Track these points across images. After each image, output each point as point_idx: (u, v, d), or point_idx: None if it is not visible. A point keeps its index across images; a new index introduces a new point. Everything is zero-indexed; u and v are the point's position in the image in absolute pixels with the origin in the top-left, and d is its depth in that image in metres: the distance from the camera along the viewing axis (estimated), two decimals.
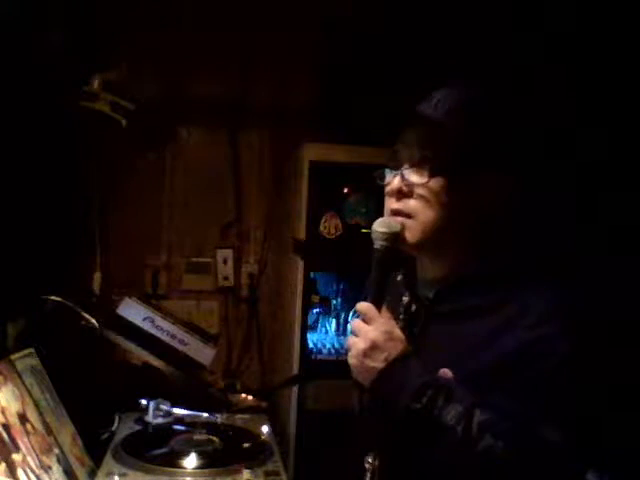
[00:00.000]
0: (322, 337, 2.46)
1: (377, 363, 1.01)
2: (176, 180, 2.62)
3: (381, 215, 1.14)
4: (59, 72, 2.07)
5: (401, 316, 1.13)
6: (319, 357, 2.35)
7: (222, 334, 2.64)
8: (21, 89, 1.89)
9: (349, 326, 1.09)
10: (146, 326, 2.10)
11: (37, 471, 1.46)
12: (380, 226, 1.09)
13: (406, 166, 1.09)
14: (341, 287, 2.48)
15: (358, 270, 1.18)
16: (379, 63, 2.29)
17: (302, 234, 2.28)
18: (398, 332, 1.04)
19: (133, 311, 2.11)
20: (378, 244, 1.09)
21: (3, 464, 1.36)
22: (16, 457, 1.41)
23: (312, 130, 2.39)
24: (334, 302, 2.48)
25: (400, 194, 1.09)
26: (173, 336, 2.11)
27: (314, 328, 2.47)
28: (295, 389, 2.26)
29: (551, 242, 1.10)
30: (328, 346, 2.40)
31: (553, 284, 1.05)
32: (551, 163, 1.89)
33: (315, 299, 2.39)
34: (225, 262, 2.64)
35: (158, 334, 2.10)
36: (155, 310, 2.16)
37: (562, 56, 2.13)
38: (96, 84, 2.17)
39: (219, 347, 2.31)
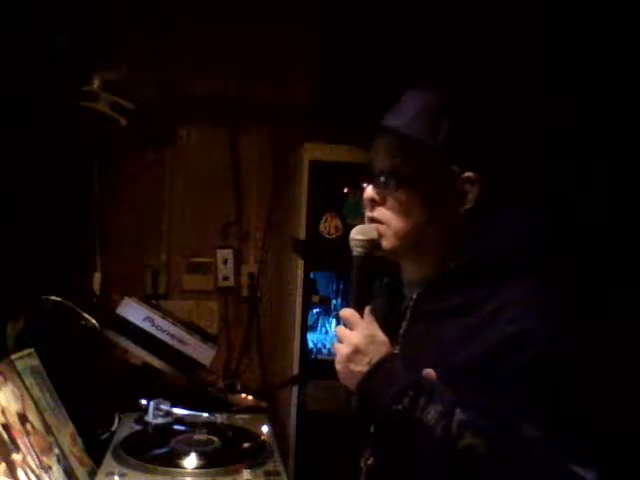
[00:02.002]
0: (322, 337, 2.46)
1: (361, 367, 1.03)
2: (176, 180, 2.62)
3: None
4: (59, 72, 2.07)
5: (387, 318, 1.14)
6: (319, 357, 2.35)
7: (222, 334, 2.64)
8: (21, 89, 1.89)
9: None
10: (146, 326, 2.09)
11: (37, 471, 1.46)
12: (357, 233, 1.12)
13: (378, 175, 1.12)
14: (341, 287, 2.47)
15: None
16: (379, 62, 2.29)
17: (302, 234, 2.27)
18: (381, 335, 1.06)
19: (133, 311, 2.11)
20: (356, 251, 1.11)
21: (3, 464, 1.37)
22: (16, 457, 1.42)
23: (312, 130, 2.39)
24: (334, 302, 2.48)
25: (374, 202, 1.12)
26: (173, 336, 2.11)
27: (314, 328, 2.47)
28: (295, 389, 2.26)
29: (528, 239, 1.10)
30: (328, 346, 2.40)
31: (532, 280, 1.05)
32: (524, 162, 1.88)
33: (315, 299, 2.39)
34: (225, 262, 2.64)
35: (158, 334, 2.10)
36: (155, 310, 2.16)
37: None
38: (96, 84, 2.17)
39: (219, 347, 2.31)
